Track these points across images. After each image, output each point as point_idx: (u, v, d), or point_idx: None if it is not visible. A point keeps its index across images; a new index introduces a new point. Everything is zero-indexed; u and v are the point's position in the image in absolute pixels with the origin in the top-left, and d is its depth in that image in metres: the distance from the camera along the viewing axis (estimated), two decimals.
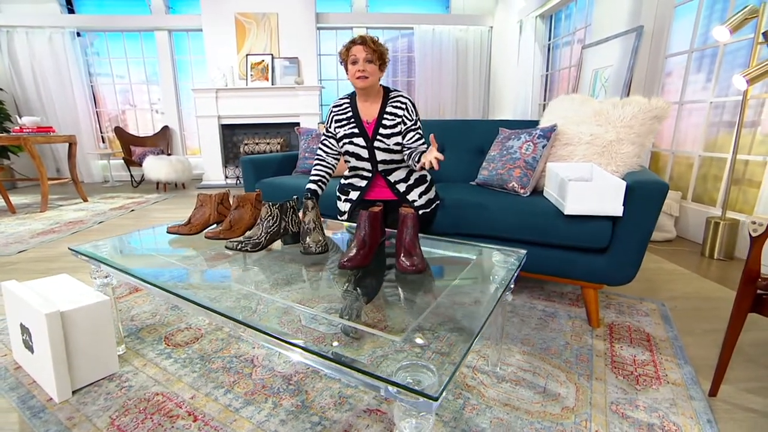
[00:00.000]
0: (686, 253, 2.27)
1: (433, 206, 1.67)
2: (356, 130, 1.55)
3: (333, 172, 1.66)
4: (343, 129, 1.58)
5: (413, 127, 1.53)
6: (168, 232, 1.29)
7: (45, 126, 3.68)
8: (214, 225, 1.34)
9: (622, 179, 1.36)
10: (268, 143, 5.02)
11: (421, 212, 1.62)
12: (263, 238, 1.12)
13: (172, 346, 1.35)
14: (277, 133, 5.18)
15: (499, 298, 0.93)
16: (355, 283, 1.30)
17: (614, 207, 1.27)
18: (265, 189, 2.24)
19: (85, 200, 4.03)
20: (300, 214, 1.21)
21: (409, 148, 1.51)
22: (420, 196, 1.63)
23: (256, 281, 1.06)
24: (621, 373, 1.17)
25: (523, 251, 1.15)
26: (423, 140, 1.53)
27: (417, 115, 1.57)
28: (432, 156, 1.23)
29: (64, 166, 5.26)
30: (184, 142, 5.71)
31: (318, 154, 1.65)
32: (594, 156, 1.59)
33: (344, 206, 1.68)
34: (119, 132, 5.11)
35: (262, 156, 2.40)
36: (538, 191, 1.77)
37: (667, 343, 1.33)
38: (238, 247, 1.09)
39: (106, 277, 1.22)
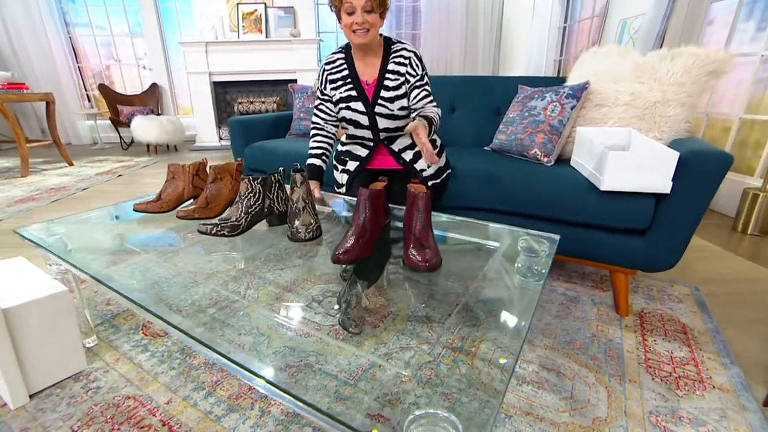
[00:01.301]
0: (715, 227, 2.09)
1: (443, 176, 1.46)
2: (354, 93, 1.31)
3: (335, 141, 1.44)
4: (338, 91, 1.34)
5: (419, 83, 1.29)
6: (135, 210, 1.10)
7: (17, 82, 3.38)
8: (190, 201, 1.15)
9: (670, 148, 1.15)
10: (263, 102, 4.71)
11: (430, 183, 1.42)
12: (243, 220, 0.93)
13: (150, 336, 1.20)
14: (272, 91, 4.84)
15: (534, 310, 0.76)
16: (355, 272, 1.13)
17: (662, 183, 1.07)
18: (255, 155, 2.02)
19: (71, 164, 3.81)
20: (288, 189, 1.01)
21: (414, 110, 1.29)
22: (429, 165, 1.42)
23: (246, 257, 0.89)
24: (658, 375, 1.02)
25: (556, 236, 0.96)
26: (431, 98, 1.30)
27: (423, 69, 1.32)
28: (424, 142, 1.06)
29: (59, 127, 4.98)
30: (175, 101, 5.39)
31: (315, 122, 1.41)
32: (632, 120, 1.36)
33: (342, 177, 1.48)
34: (104, 89, 4.78)
35: (251, 117, 2.15)
36: (563, 160, 1.55)
37: (707, 337, 1.18)
38: (213, 230, 0.90)
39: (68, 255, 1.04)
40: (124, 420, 0.90)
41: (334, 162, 1.53)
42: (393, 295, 0.83)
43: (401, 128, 1.36)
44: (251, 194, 0.94)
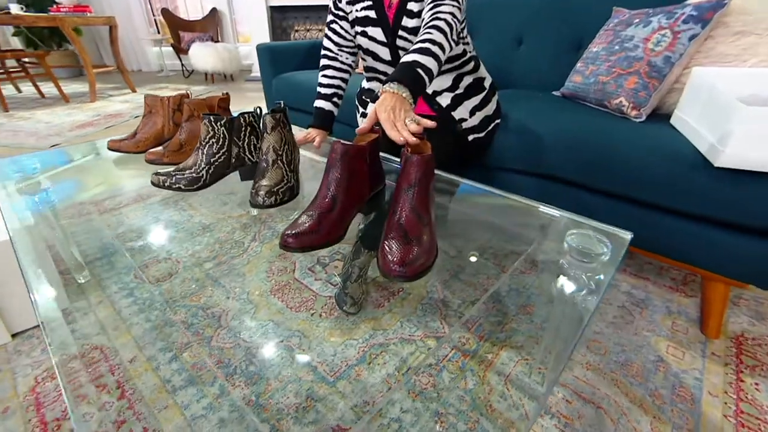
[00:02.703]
0: None
1: (489, 128, 1.15)
2: (372, 14, 1.00)
3: (350, 75, 1.16)
4: (354, 8, 1.03)
5: None
6: (109, 149, 0.98)
7: (82, 5, 3.44)
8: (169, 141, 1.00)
9: None
10: (320, 30, 4.39)
11: (471, 137, 1.12)
12: (204, 171, 0.75)
13: (141, 281, 1.15)
14: None
15: (581, 333, 0.51)
16: (362, 239, 0.93)
17: None
18: (282, 88, 1.82)
19: (134, 91, 3.95)
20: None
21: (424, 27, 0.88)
22: (472, 113, 1.11)
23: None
24: None
25: (627, 234, 0.66)
26: (447, 4, 0.88)
27: None
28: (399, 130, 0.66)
29: (128, 52, 5.19)
30: (235, 28, 5.27)
31: (325, 49, 1.12)
32: None
33: (360, 122, 1.23)
34: (167, 15, 4.78)
35: (283, 43, 1.92)
36: (659, 115, 1.14)
37: None
38: (166, 183, 0.74)
39: (41, 191, 0.97)
40: (84, 373, 0.85)
41: (356, 102, 1.28)
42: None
43: None
44: (213, 140, 0.75)
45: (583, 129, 1.04)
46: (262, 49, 1.87)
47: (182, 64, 4.93)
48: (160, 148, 0.91)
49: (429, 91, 1.09)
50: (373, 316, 1.05)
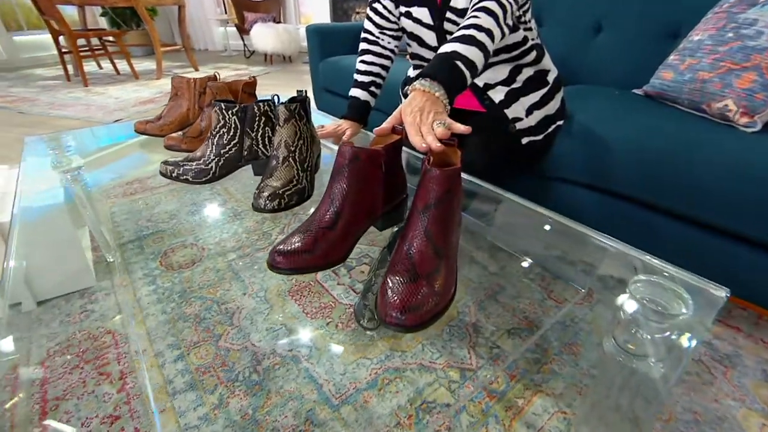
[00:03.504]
0: None
1: (549, 130, 1.00)
2: None
3: (392, 62, 1.06)
4: None
5: None
6: (135, 131, 0.97)
7: None
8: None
9: None
10: None
11: (525, 140, 0.98)
12: (213, 163, 0.70)
13: (165, 267, 1.16)
14: None
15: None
16: (389, 247, 0.85)
17: None
18: (328, 73, 1.76)
19: (196, 69, 4.13)
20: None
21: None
22: (530, 111, 0.96)
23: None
24: None
25: (722, 293, 0.51)
26: None
27: None
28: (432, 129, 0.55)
29: (196, 32, 5.46)
30: (298, 9, 5.33)
31: (366, 31, 1.03)
32: None
33: None
34: None
35: (334, 24, 1.85)
36: None
37: None
38: (173, 173, 0.70)
39: (76, 170, 0.99)
40: (91, 358, 0.86)
41: (400, 93, 1.18)
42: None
43: None
44: (224, 129, 0.69)
45: (668, 138, 0.86)
46: (311, 30, 1.81)
47: (244, 45, 5.09)
48: (179, 133, 0.88)
49: (480, 83, 0.96)
50: (393, 334, 0.96)
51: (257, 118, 0.71)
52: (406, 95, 1.13)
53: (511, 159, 1.00)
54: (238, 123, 0.70)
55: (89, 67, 4.25)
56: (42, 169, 0.90)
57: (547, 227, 0.79)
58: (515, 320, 1.02)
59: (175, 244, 1.26)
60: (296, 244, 0.47)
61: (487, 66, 0.86)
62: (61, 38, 3.54)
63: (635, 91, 1.22)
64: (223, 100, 0.71)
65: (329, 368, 0.86)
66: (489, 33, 0.69)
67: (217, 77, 0.97)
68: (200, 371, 0.84)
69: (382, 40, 1.02)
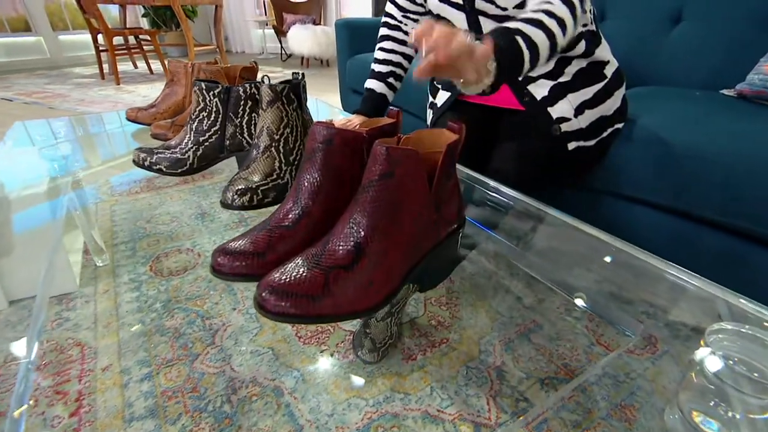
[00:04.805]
0: None
1: (604, 135, 0.87)
2: None
3: (416, 52, 0.98)
4: None
5: None
6: (127, 120, 0.94)
7: None
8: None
9: None
10: None
11: (573, 146, 0.86)
12: (190, 152, 0.64)
13: (153, 273, 1.11)
14: None
15: None
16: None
17: None
18: (355, 70, 1.70)
19: None
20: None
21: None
22: (580, 110, 0.84)
23: None
24: None
25: None
26: None
27: None
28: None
29: (234, 34, 5.70)
30: (339, 10, 5.43)
31: (387, 15, 0.95)
32: None
33: (429, 115, 1.04)
34: None
35: (363, 19, 1.81)
36: None
37: None
38: (146, 162, 0.64)
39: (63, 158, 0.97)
40: (52, 373, 0.81)
41: (428, 88, 1.09)
42: (465, 311, 0.46)
43: None
44: (204, 113, 0.62)
45: (766, 147, 0.71)
46: (339, 25, 1.77)
47: (281, 47, 5.22)
48: (168, 121, 0.83)
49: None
50: (398, 370, 0.84)
51: (242, 102, 0.64)
52: (433, 90, 1.04)
53: (553, 168, 0.87)
54: (220, 106, 0.63)
55: (125, 66, 4.50)
56: (26, 156, 0.88)
57: (608, 258, 0.67)
58: (552, 367, 0.87)
59: (170, 249, 1.21)
60: (242, 243, 0.39)
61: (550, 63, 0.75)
62: (99, 37, 3.77)
63: (724, 91, 1.06)
64: (205, 80, 0.65)
65: (315, 406, 0.76)
66: (561, 23, 0.58)
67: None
68: (166, 395, 0.77)
69: (405, 25, 0.93)
